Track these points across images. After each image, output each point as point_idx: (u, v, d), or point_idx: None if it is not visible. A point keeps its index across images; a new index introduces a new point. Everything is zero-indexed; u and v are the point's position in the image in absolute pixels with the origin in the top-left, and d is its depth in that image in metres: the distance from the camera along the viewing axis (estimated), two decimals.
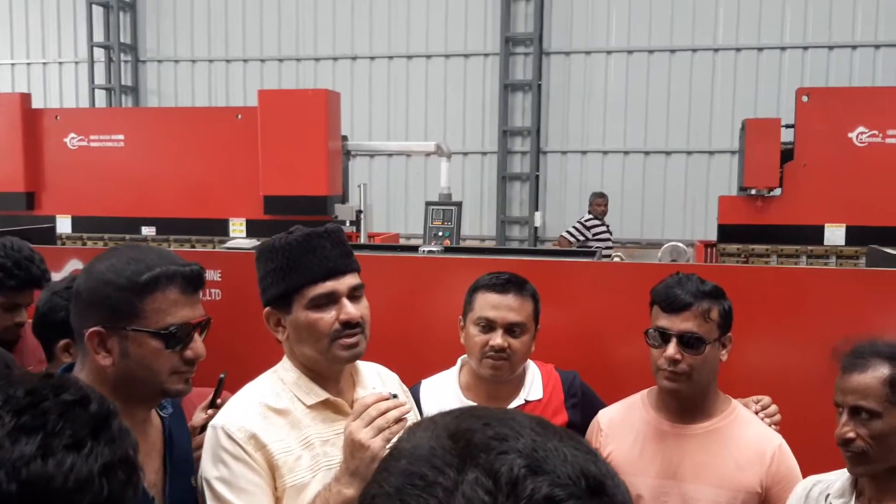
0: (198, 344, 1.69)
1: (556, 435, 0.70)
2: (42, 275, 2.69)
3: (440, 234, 6.73)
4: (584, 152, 11.77)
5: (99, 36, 12.94)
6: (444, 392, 2.44)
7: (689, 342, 2.17)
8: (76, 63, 13.26)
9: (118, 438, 1.08)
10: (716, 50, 11.25)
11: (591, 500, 0.65)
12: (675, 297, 2.19)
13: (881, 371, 1.84)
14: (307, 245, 1.88)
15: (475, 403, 2.33)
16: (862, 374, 1.85)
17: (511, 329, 2.33)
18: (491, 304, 2.35)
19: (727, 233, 6.87)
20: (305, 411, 1.89)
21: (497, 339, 2.31)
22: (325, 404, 1.91)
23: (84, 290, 1.63)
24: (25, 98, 7.55)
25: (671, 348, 2.17)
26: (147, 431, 1.72)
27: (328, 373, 1.94)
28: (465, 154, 11.96)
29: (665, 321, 2.20)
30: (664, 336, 2.20)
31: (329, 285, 1.87)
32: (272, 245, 1.92)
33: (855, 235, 6.50)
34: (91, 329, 1.60)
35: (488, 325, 2.34)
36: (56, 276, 3.12)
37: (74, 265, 3.34)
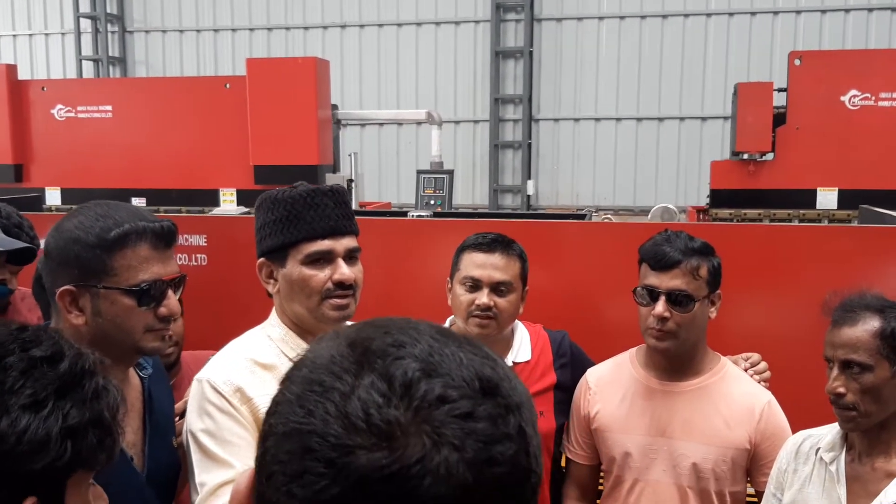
0: (172, 301, 1.65)
1: (456, 341, 0.72)
2: (31, 241, 2.66)
3: (432, 202, 6.70)
4: (576, 119, 11.71)
5: (85, 6, 12.78)
6: None
7: (677, 300, 2.15)
8: (63, 34, 13.11)
9: (91, 399, 1.04)
10: (708, 15, 11.16)
11: (484, 399, 0.67)
12: (664, 255, 2.16)
13: (871, 324, 1.82)
14: (310, 201, 1.86)
15: None
16: (852, 328, 1.83)
17: (497, 288, 2.31)
18: (477, 264, 2.33)
19: (720, 198, 6.86)
20: None
21: (483, 297, 2.30)
22: None
23: (53, 250, 1.60)
24: (11, 69, 7.46)
25: (659, 306, 2.15)
26: (126, 391, 1.70)
27: (316, 330, 1.92)
28: (457, 122, 11.89)
29: (653, 279, 2.18)
30: (652, 294, 2.18)
31: (327, 243, 1.86)
32: (275, 196, 1.89)
33: (847, 199, 6.49)
34: (62, 288, 1.57)
35: (474, 285, 2.32)
36: (42, 242, 3.08)
37: None
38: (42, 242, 2.41)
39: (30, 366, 1.03)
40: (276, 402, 0.72)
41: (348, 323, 2.11)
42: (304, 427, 0.66)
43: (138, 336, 1.62)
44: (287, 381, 0.72)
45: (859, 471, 1.89)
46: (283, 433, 0.68)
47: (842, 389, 1.82)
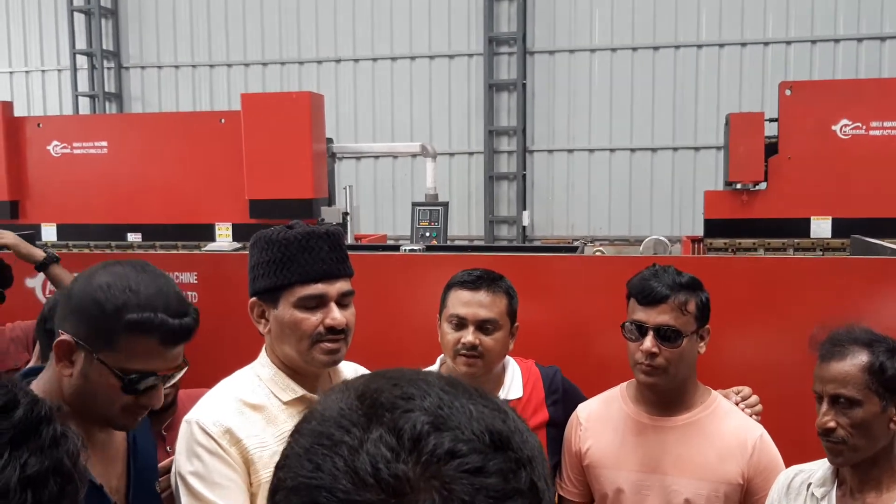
0: (157, 395, 1.61)
1: (466, 393, 0.71)
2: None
3: (427, 234, 6.73)
4: (570, 150, 11.78)
5: (81, 43, 12.88)
6: None
7: (665, 335, 2.15)
8: (59, 71, 13.20)
9: (49, 447, 1.02)
10: (699, 46, 11.28)
11: (494, 454, 0.66)
12: (651, 290, 2.16)
13: (860, 358, 1.82)
14: (305, 243, 1.85)
15: None
16: (840, 362, 1.83)
17: (483, 326, 2.30)
18: (462, 301, 2.32)
19: (714, 227, 6.88)
20: (282, 407, 1.87)
21: (468, 336, 2.29)
22: (301, 401, 1.89)
23: (75, 296, 1.57)
24: (7, 106, 7.49)
25: (648, 342, 2.14)
26: (110, 437, 1.69)
27: (305, 372, 1.92)
28: (452, 154, 11.95)
29: (641, 314, 2.18)
30: (641, 329, 2.17)
31: (320, 287, 1.85)
32: (269, 236, 1.88)
33: (841, 228, 6.51)
34: (63, 337, 1.55)
35: (460, 323, 2.31)
36: (32, 282, 3.10)
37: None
38: None
39: None
40: (286, 455, 0.71)
41: (356, 371, 2.11)
42: (312, 482, 0.66)
43: (112, 413, 1.59)
44: (296, 433, 0.72)
45: None
46: (291, 487, 0.67)
47: (832, 424, 1.82)
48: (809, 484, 1.97)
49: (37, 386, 1.60)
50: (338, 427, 0.68)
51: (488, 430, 0.67)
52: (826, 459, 1.94)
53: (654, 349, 2.14)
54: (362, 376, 0.76)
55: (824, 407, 1.84)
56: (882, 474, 1.85)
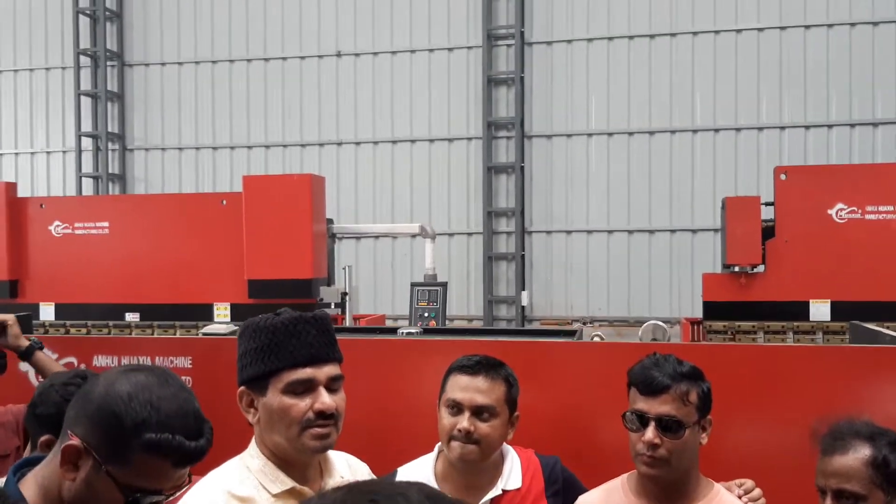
0: None
1: None
2: None
3: (426, 314, 6.71)
4: (568, 232, 11.86)
5: (87, 126, 13.10)
6: (419, 480, 2.36)
7: (667, 426, 2.12)
8: (64, 152, 13.39)
9: None
10: (694, 131, 11.47)
11: None
12: (653, 380, 2.15)
13: (862, 452, 1.80)
14: (292, 329, 1.85)
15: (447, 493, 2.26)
16: (843, 457, 1.81)
17: (479, 412, 2.27)
18: (460, 386, 2.30)
19: (713, 310, 6.88)
20: (270, 500, 1.83)
21: (464, 422, 2.26)
22: (290, 493, 1.85)
23: (94, 400, 1.53)
24: (10, 187, 7.59)
25: (649, 432, 2.12)
26: None
27: (296, 461, 1.89)
28: (451, 235, 12.02)
29: (643, 404, 2.16)
30: (642, 419, 2.15)
31: (308, 372, 1.83)
32: (257, 324, 1.88)
33: (840, 311, 6.51)
34: (73, 442, 1.50)
35: (457, 408, 2.29)
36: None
37: None
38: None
39: None
40: None
41: (348, 462, 2.07)
42: None
43: None
44: None
45: None
46: None
47: None
48: None
49: (34, 479, 1.57)
50: None
51: None
52: None
53: (656, 440, 2.11)
54: (339, 489, 0.73)
55: (828, 502, 1.81)
56: None
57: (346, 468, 2.04)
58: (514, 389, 2.35)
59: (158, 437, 1.49)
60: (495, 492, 2.33)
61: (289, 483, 1.86)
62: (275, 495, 1.84)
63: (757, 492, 2.33)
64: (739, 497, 2.29)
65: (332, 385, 1.87)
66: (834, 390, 2.79)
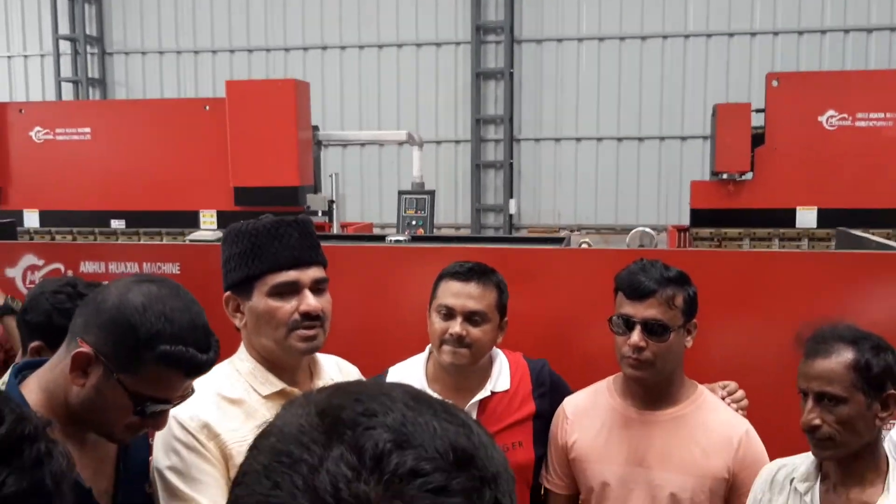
0: (163, 420, 1.61)
1: (431, 409, 0.70)
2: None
3: (413, 223, 6.70)
4: (557, 139, 11.78)
5: (64, 28, 12.74)
6: (410, 380, 2.40)
7: (653, 329, 2.14)
8: (42, 56, 13.06)
9: (32, 467, 0.99)
10: (686, 36, 11.27)
11: (458, 472, 0.65)
12: (639, 284, 2.16)
13: (845, 356, 1.82)
14: (274, 232, 1.85)
15: (437, 395, 2.30)
16: (826, 360, 1.83)
17: (471, 317, 2.29)
18: (452, 292, 2.31)
19: (700, 217, 6.90)
20: (261, 401, 1.86)
21: (456, 326, 2.27)
22: (280, 394, 1.88)
23: (106, 311, 1.52)
24: None
25: (635, 336, 2.14)
26: (102, 439, 1.67)
27: (284, 363, 1.91)
28: (439, 143, 11.92)
29: (629, 308, 2.17)
30: (628, 323, 2.17)
31: (292, 274, 1.84)
32: (239, 229, 1.89)
33: (826, 218, 6.55)
34: (83, 349, 1.51)
35: (448, 313, 2.30)
36: (12, 271, 3.07)
37: (29, 260, 3.29)
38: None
39: None
40: (243, 472, 0.70)
41: (338, 364, 2.09)
42: (270, 500, 0.64)
43: (116, 430, 1.58)
44: (254, 449, 0.70)
45: (834, 501, 1.88)
46: None
47: (817, 422, 1.82)
48: (793, 479, 1.97)
49: (37, 383, 1.58)
50: (297, 444, 0.66)
51: (452, 448, 0.66)
52: (809, 454, 1.95)
53: (642, 343, 2.14)
54: (323, 390, 0.74)
55: (809, 404, 1.84)
56: (865, 469, 1.86)
57: (336, 371, 2.06)
58: (504, 295, 2.37)
59: (172, 349, 1.50)
60: (484, 393, 2.37)
61: (279, 385, 1.88)
62: (265, 397, 1.86)
63: (740, 393, 2.37)
64: (723, 398, 2.34)
65: (316, 287, 1.88)
66: (818, 296, 2.82)
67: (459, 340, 2.27)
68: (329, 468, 0.63)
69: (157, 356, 1.50)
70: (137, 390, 1.52)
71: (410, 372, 2.44)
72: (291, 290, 1.84)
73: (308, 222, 1.94)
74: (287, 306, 1.83)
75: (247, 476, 0.68)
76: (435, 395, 2.11)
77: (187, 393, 1.61)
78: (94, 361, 1.52)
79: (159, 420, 1.60)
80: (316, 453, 0.65)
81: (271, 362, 1.90)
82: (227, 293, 1.90)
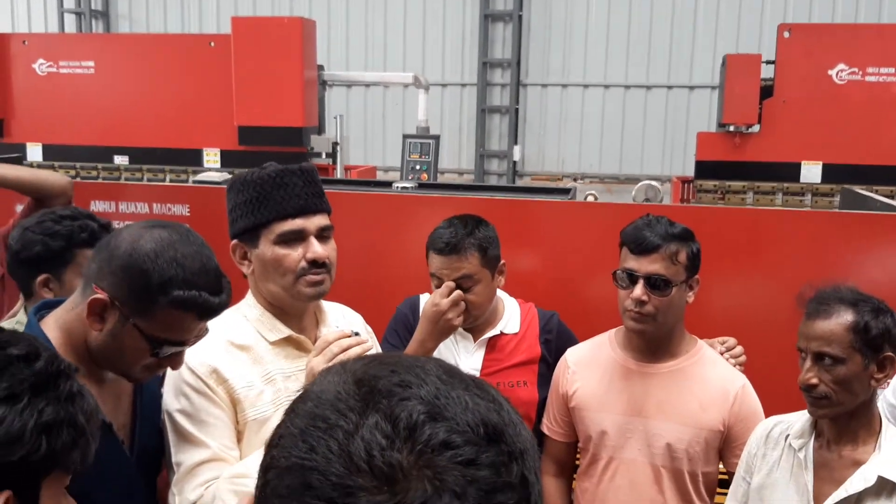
0: (179, 360, 1.65)
1: (463, 383, 0.72)
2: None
3: (417, 167, 6.68)
4: (564, 86, 11.66)
5: None
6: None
7: (655, 284, 2.18)
8: None
9: (66, 400, 1.05)
10: None
11: (488, 446, 0.67)
12: (644, 240, 2.18)
13: (845, 317, 1.85)
14: (279, 180, 1.87)
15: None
16: (826, 321, 1.86)
17: (459, 284, 2.36)
18: (436, 265, 2.40)
19: (705, 169, 6.87)
20: (268, 347, 1.90)
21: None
22: (287, 341, 1.92)
23: (119, 258, 1.55)
24: None
25: (638, 289, 2.17)
26: (118, 377, 1.71)
27: (291, 310, 1.94)
28: (444, 86, 11.80)
29: (633, 262, 2.20)
30: (631, 277, 2.20)
31: (298, 222, 1.87)
32: (244, 178, 1.90)
33: (831, 173, 6.53)
34: (98, 296, 1.54)
35: (440, 282, 2.39)
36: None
37: None
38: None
39: (6, 362, 1.04)
40: (279, 435, 0.72)
41: (343, 312, 2.13)
42: (306, 463, 0.66)
43: (134, 370, 1.62)
44: (291, 413, 0.72)
45: (827, 458, 1.93)
46: (285, 467, 0.68)
47: (814, 381, 1.86)
48: (787, 435, 2.02)
49: (56, 323, 1.62)
50: (334, 410, 0.68)
51: (483, 423, 0.68)
52: (804, 411, 1.99)
53: (644, 297, 2.18)
54: (360, 360, 0.76)
55: (808, 363, 1.88)
56: (859, 428, 1.91)
57: (340, 318, 2.10)
58: (490, 250, 2.40)
59: (186, 294, 1.54)
60: (493, 332, 2.47)
61: (286, 331, 1.92)
62: (272, 343, 1.90)
63: (738, 349, 2.42)
64: (721, 354, 2.39)
65: (322, 234, 1.91)
66: (822, 255, 2.84)
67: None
68: (364, 435, 0.65)
69: (170, 301, 1.53)
70: (153, 334, 1.56)
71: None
72: (297, 237, 1.87)
73: (312, 170, 1.95)
74: (294, 254, 1.86)
75: (283, 439, 0.70)
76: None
77: (202, 334, 1.65)
78: (109, 307, 1.55)
79: (176, 361, 1.64)
80: (352, 420, 0.67)
81: (279, 308, 1.93)
82: (234, 241, 1.93)
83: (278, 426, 0.73)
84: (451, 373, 0.73)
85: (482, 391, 0.72)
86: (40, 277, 2.30)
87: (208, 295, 1.57)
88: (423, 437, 0.65)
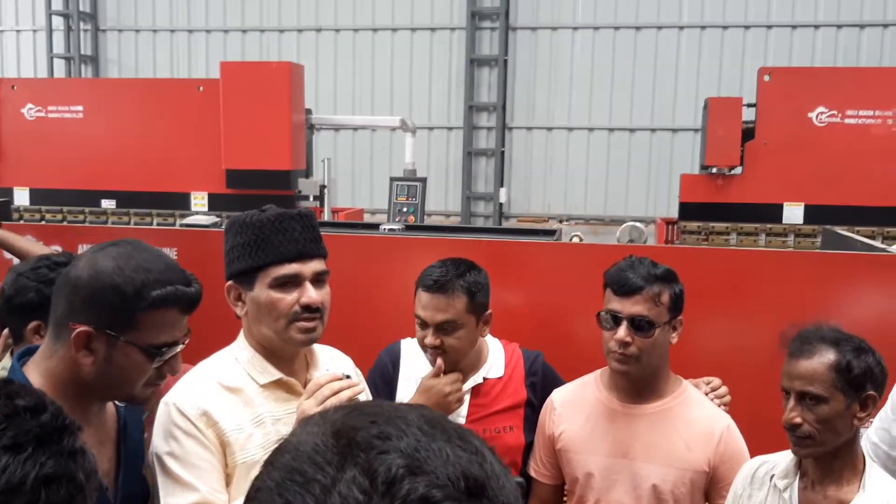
0: (176, 363, 1.67)
1: (445, 434, 0.70)
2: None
3: (405, 209, 6.73)
4: (549, 129, 11.79)
5: (57, 4, 12.63)
6: (418, 350, 2.46)
7: (639, 325, 2.20)
8: (34, 31, 12.94)
9: (68, 456, 1.06)
10: (681, 27, 11.29)
11: (468, 500, 0.65)
12: (626, 281, 2.21)
13: (827, 357, 1.87)
14: (278, 224, 1.89)
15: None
16: (808, 360, 1.88)
17: (441, 327, 2.34)
18: (422, 304, 2.37)
19: (689, 210, 6.95)
20: (258, 390, 1.90)
21: (429, 337, 2.35)
22: (278, 384, 1.92)
23: (85, 286, 1.57)
24: None
25: (621, 331, 2.19)
26: (102, 420, 1.71)
27: (282, 353, 1.95)
28: (431, 129, 11.91)
29: (616, 304, 2.22)
30: (615, 319, 2.22)
31: (294, 267, 1.88)
32: (243, 220, 1.92)
33: (813, 214, 6.62)
34: (82, 328, 1.55)
35: (423, 323, 2.37)
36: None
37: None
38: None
39: (13, 413, 1.05)
40: (256, 488, 0.70)
41: (332, 356, 2.13)
42: None
43: (136, 388, 1.64)
44: (269, 465, 0.71)
45: (812, 498, 1.94)
46: None
47: (798, 420, 1.87)
48: (773, 475, 2.03)
49: (37, 370, 1.62)
50: (311, 464, 0.67)
51: (464, 476, 0.66)
52: (789, 451, 2.00)
53: (628, 338, 2.19)
54: (340, 409, 0.75)
55: (791, 403, 1.90)
56: (843, 467, 1.92)
57: (329, 361, 2.10)
58: (478, 296, 2.37)
59: (163, 291, 1.57)
60: (477, 379, 2.44)
61: (276, 374, 1.92)
62: (262, 385, 1.91)
63: (723, 389, 2.43)
64: (706, 394, 2.40)
65: (317, 280, 1.92)
66: (803, 295, 2.87)
67: (436, 349, 2.33)
68: (341, 490, 0.64)
69: (151, 303, 1.56)
70: (146, 342, 1.58)
71: (419, 348, 2.48)
72: (293, 282, 1.88)
73: (311, 215, 1.98)
74: (288, 298, 1.87)
75: (260, 492, 0.69)
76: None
77: (187, 330, 1.68)
78: (93, 336, 1.57)
79: (174, 364, 1.67)
80: (329, 474, 0.65)
81: (270, 351, 1.94)
82: (230, 282, 1.94)
83: (256, 478, 0.72)
84: (434, 423, 0.71)
85: (465, 442, 0.70)
86: (32, 324, 2.29)
87: (184, 287, 1.61)
88: (401, 492, 0.63)
